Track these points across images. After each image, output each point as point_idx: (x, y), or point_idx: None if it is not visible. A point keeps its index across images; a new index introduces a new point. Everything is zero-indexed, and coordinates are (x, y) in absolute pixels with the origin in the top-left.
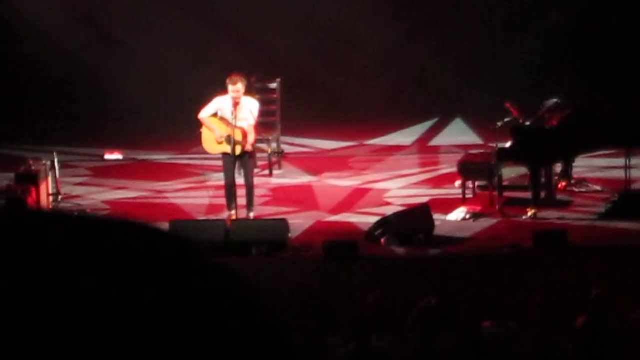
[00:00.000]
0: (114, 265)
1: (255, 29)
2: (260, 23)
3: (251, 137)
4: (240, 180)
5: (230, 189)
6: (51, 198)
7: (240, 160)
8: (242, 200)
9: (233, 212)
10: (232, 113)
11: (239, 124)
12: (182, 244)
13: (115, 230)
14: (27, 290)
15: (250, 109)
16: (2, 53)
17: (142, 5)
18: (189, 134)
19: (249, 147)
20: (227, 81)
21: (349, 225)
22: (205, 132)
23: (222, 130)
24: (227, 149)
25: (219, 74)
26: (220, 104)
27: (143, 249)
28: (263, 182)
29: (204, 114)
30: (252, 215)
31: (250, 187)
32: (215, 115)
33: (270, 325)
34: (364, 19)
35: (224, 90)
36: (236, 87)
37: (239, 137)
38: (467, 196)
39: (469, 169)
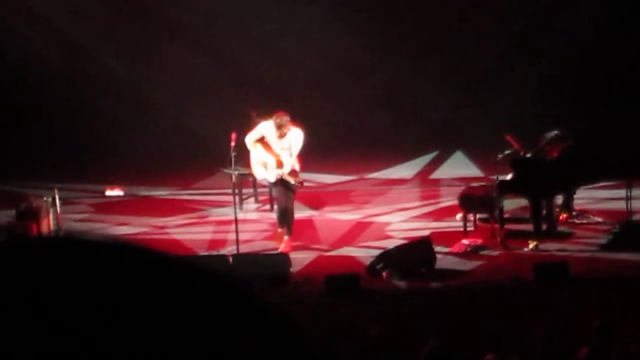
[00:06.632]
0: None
1: (257, 63)
2: (261, 57)
3: (288, 167)
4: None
5: (282, 212)
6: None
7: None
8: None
9: (280, 230)
10: (276, 140)
11: (281, 152)
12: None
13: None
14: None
15: (290, 140)
16: (2, 90)
17: (143, 39)
18: (189, 169)
19: (285, 176)
20: (274, 118)
21: (351, 259)
22: (251, 157)
23: (263, 156)
24: (269, 175)
25: (221, 108)
26: (264, 130)
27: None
28: (265, 217)
29: (249, 139)
30: (286, 237)
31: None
32: (262, 139)
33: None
34: (364, 54)
35: (250, 125)
36: (282, 122)
37: (277, 164)
38: (468, 229)
39: (470, 201)
